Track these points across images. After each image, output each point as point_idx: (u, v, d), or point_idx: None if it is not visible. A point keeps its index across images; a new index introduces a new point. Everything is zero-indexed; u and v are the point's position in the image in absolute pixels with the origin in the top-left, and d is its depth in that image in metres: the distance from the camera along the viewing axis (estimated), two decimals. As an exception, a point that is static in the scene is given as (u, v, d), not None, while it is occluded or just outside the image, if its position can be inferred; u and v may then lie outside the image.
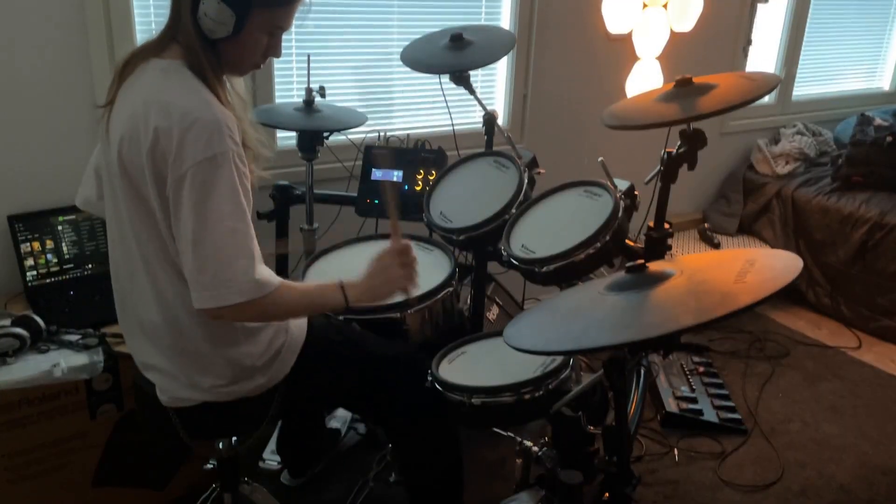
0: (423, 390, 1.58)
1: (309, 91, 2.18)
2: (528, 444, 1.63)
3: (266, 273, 1.26)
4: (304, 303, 1.37)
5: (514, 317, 1.39)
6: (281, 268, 2.27)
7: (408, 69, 2.16)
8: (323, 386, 1.57)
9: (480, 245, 1.96)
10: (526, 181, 1.88)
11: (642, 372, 2.10)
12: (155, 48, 1.31)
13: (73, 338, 1.83)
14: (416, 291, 1.50)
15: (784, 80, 3.75)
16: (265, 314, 1.32)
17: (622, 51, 3.06)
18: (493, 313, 2.30)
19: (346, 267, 1.92)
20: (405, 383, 1.60)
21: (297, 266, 1.90)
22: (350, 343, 1.61)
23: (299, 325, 1.50)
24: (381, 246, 2.02)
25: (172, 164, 1.20)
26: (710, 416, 2.47)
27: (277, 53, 1.36)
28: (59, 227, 2.07)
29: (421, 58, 2.16)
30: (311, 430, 2.08)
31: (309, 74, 2.20)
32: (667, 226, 1.91)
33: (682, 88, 1.80)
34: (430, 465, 1.69)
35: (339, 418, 2.31)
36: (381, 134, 2.52)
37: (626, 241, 1.78)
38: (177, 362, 1.38)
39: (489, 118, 2.15)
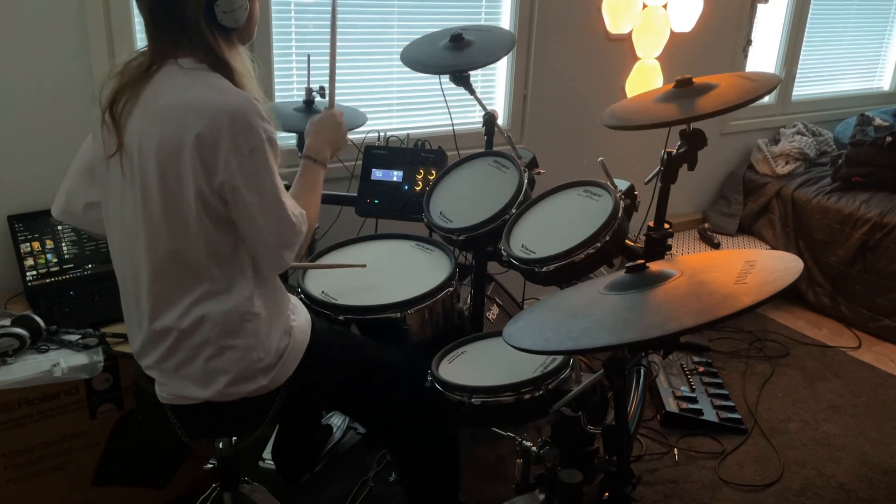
0: (421, 396, 1.58)
1: (309, 91, 2.18)
2: (528, 443, 1.63)
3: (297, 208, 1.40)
4: (311, 197, 1.51)
5: (514, 316, 1.39)
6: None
7: (408, 69, 2.16)
8: (323, 390, 1.57)
9: (480, 245, 1.96)
10: (526, 181, 1.88)
11: (642, 372, 2.11)
12: (151, 65, 1.31)
13: (73, 338, 1.83)
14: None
15: (784, 80, 3.75)
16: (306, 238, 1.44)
17: (622, 51, 3.06)
18: (493, 313, 2.30)
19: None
20: (404, 390, 1.60)
21: (296, 269, 1.90)
22: (351, 349, 1.62)
23: (303, 330, 1.50)
24: (380, 246, 2.03)
25: (226, 158, 1.25)
26: (710, 415, 2.47)
27: None
28: (59, 227, 2.07)
29: (421, 58, 2.16)
30: (306, 437, 2.08)
31: (309, 74, 2.20)
32: (667, 226, 1.91)
33: (682, 89, 1.80)
34: (427, 469, 1.69)
35: (339, 415, 2.31)
36: (381, 134, 2.52)
37: (626, 241, 1.78)
38: (182, 363, 1.38)
39: (489, 118, 2.15)
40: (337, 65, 2.53)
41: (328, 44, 1.68)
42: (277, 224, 1.33)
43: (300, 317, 1.52)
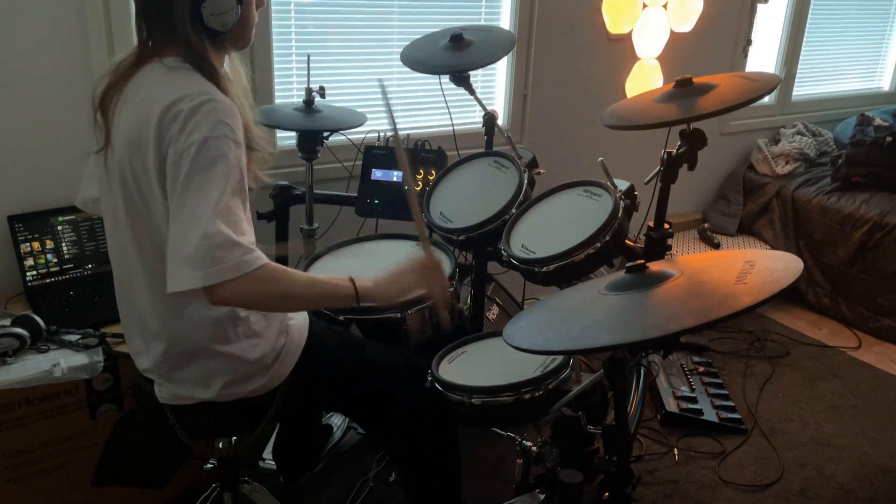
0: (421, 397, 1.58)
1: (309, 91, 2.18)
2: (528, 443, 1.63)
3: (256, 253, 1.19)
4: (312, 289, 1.30)
5: (514, 316, 1.39)
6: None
7: (408, 69, 2.16)
8: (322, 390, 1.57)
9: (480, 245, 1.96)
10: (526, 181, 1.88)
11: (642, 372, 2.11)
12: (138, 63, 1.30)
13: (73, 338, 1.83)
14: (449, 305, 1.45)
15: (784, 80, 3.75)
16: (261, 294, 1.21)
17: (622, 51, 3.06)
18: (493, 313, 2.30)
19: (346, 267, 1.93)
20: (404, 390, 1.60)
21: (297, 267, 1.90)
22: (350, 348, 1.62)
23: (300, 329, 1.50)
24: (379, 246, 2.03)
25: (171, 145, 1.19)
26: (710, 415, 2.47)
27: (262, 2, 1.37)
28: (59, 227, 2.07)
29: (421, 58, 2.16)
30: (307, 436, 2.08)
31: (309, 74, 2.20)
32: (667, 226, 1.91)
33: (682, 88, 1.80)
34: (428, 472, 1.69)
35: (339, 414, 2.31)
36: (381, 134, 2.52)
37: (626, 241, 1.78)
38: (177, 364, 1.38)
39: (489, 118, 2.15)
40: (337, 65, 2.54)
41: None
42: (194, 228, 1.15)
43: (297, 316, 1.52)
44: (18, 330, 1.75)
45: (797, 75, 3.80)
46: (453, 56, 2.09)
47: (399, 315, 1.71)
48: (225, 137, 1.19)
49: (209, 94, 1.22)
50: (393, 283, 1.37)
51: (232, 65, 1.39)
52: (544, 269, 1.66)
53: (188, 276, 1.14)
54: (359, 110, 2.30)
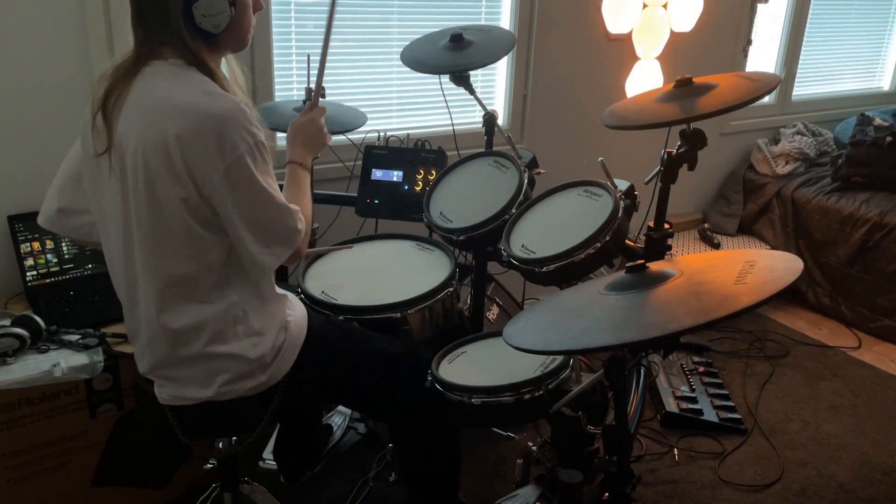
0: (423, 387, 1.58)
1: (309, 91, 2.18)
2: (528, 443, 1.63)
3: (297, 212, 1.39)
4: (305, 200, 1.51)
5: (514, 316, 1.39)
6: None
7: (408, 69, 2.16)
8: (323, 384, 1.57)
9: (480, 245, 1.96)
10: (526, 181, 1.88)
11: (642, 372, 2.11)
12: (138, 63, 1.30)
13: (73, 338, 1.83)
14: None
15: (784, 80, 3.75)
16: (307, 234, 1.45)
17: (622, 51, 3.06)
18: (493, 313, 2.30)
19: (346, 267, 1.93)
20: (405, 380, 1.60)
21: (297, 267, 1.90)
22: (350, 341, 1.61)
23: (299, 325, 1.51)
24: (380, 246, 2.04)
25: (213, 163, 1.23)
26: (710, 415, 2.47)
27: (260, 5, 1.39)
28: (60, 227, 2.07)
29: (421, 58, 2.16)
30: (307, 435, 2.08)
31: (309, 74, 2.20)
32: (667, 226, 1.91)
33: (682, 88, 1.80)
34: (428, 460, 1.69)
35: (340, 414, 2.31)
36: (381, 134, 2.52)
37: (626, 241, 1.78)
38: (179, 365, 1.38)
39: (489, 118, 2.15)
40: (337, 65, 2.54)
41: (329, 45, 1.65)
42: (271, 225, 1.32)
43: (296, 311, 1.52)
44: (18, 330, 1.75)
45: (797, 75, 3.80)
46: (453, 56, 2.09)
47: (399, 315, 1.71)
48: (253, 148, 1.26)
49: (225, 106, 1.24)
50: (308, 148, 1.58)
51: (229, 65, 1.39)
52: (544, 269, 1.66)
53: (284, 253, 1.36)
54: (359, 110, 2.30)
